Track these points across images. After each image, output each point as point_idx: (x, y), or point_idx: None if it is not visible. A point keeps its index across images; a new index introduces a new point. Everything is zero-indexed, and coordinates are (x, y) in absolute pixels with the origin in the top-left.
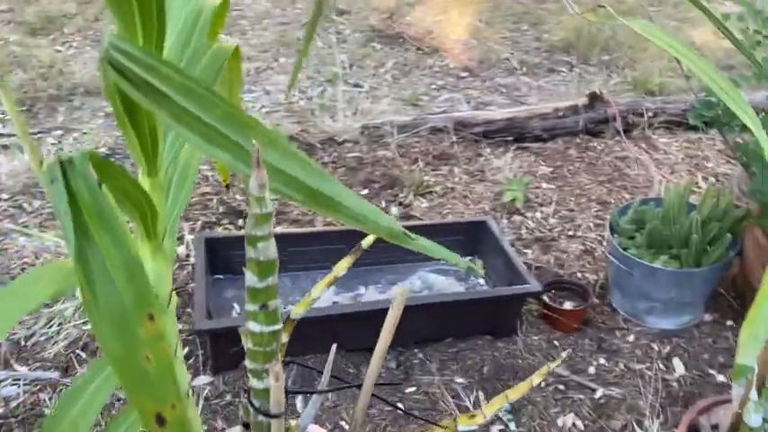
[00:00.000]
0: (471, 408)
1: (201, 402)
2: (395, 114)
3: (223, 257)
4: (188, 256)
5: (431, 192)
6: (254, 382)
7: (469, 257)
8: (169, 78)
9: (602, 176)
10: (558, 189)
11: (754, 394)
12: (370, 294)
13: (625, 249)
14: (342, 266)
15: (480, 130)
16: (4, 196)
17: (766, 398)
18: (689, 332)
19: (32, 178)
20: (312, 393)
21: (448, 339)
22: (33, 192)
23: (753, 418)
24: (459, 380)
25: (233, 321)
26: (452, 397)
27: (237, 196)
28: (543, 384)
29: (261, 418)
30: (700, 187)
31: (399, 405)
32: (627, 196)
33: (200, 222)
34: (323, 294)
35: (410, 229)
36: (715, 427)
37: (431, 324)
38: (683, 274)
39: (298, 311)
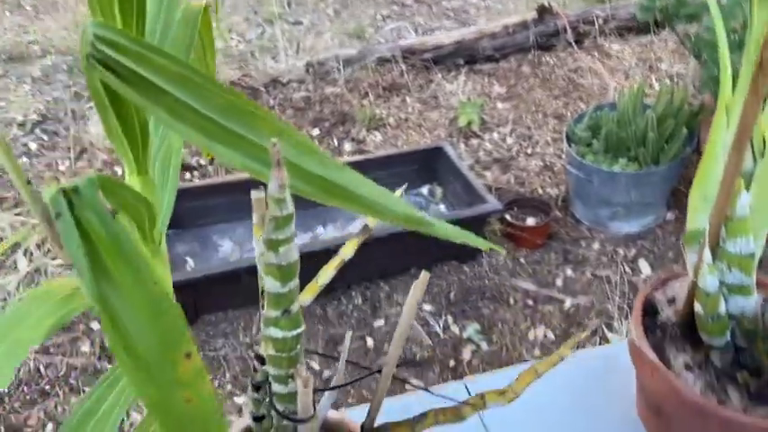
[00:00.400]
0: (441, 333)
1: None
2: (339, 49)
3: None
4: None
5: (384, 125)
6: (277, 387)
7: (428, 185)
8: (163, 69)
9: (556, 90)
10: (514, 108)
11: (708, 256)
12: (329, 233)
13: (583, 157)
14: (349, 249)
15: (430, 56)
16: None
17: (721, 259)
18: (653, 233)
19: None
20: (332, 389)
21: (412, 269)
22: None
23: (708, 282)
24: (427, 307)
25: (187, 275)
26: (422, 325)
27: (182, 149)
28: (512, 302)
29: (286, 422)
30: (654, 90)
31: (421, 385)
32: (583, 107)
33: None
34: (327, 276)
35: (365, 163)
36: (672, 300)
37: (394, 256)
38: (642, 174)
39: (305, 298)
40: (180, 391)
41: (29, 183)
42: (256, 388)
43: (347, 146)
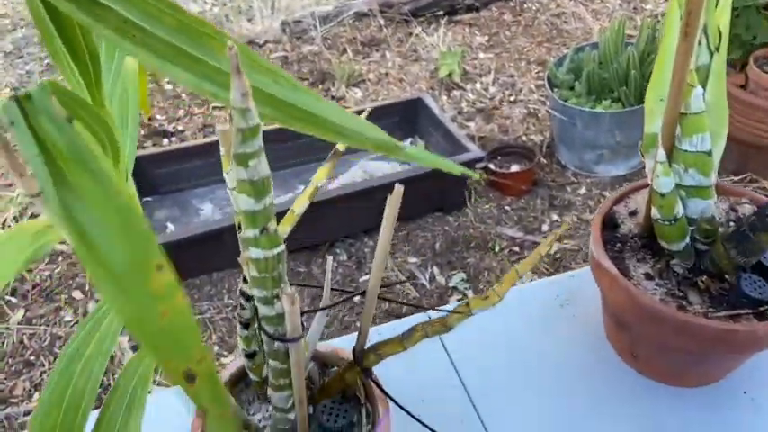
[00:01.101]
0: (427, 284)
1: None
2: (316, 6)
3: (148, 179)
4: None
5: (363, 81)
6: (264, 310)
7: (410, 139)
8: None
9: (540, 37)
10: (496, 57)
11: (661, 155)
12: None
13: (566, 101)
14: (321, 176)
15: (408, 9)
16: None
17: (677, 161)
18: (640, 174)
19: None
20: (320, 310)
21: (396, 223)
22: None
23: (663, 183)
24: (413, 260)
25: (167, 238)
26: (408, 277)
27: (158, 116)
28: (497, 249)
29: (277, 344)
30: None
31: (404, 301)
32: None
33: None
34: (302, 206)
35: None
36: (633, 213)
37: (378, 211)
38: (626, 114)
39: (284, 229)
40: (154, 305)
41: None
42: (245, 325)
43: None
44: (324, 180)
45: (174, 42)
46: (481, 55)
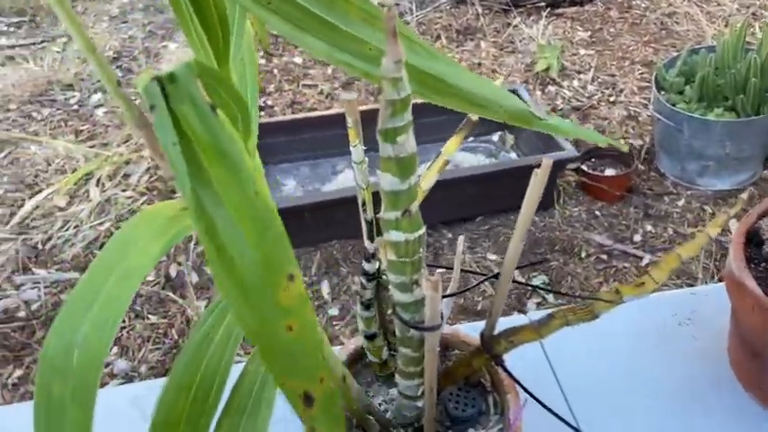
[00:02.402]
0: None
1: None
2: None
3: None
4: None
5: None
6: (400, 296)
7: (498, 132)
8: None
9: (647, 36)
10: (598, 54)
11: None
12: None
13: (673, 105)
14: (452, 147)
15: None
16: (13, 106)
17: None
18: (747, 192)
19: (39, 86)
20: (451, 296)
21: (479, 218)
22: (41, 100)
23: None
24: (492, 256)
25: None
26: (485, 274)
27: None
28: (584, 255)
29: (412, 332)
30: (757, 38)
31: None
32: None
33: None
34: (431, 180)
35: (431, 106)
36: None
37: (459, 202)
38: (740, 124)
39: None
40: (281, 318)
41: (119, 84)
42: (366, 306)
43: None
44: (453, 152)
45: (309, 8)
46: (582, 51)
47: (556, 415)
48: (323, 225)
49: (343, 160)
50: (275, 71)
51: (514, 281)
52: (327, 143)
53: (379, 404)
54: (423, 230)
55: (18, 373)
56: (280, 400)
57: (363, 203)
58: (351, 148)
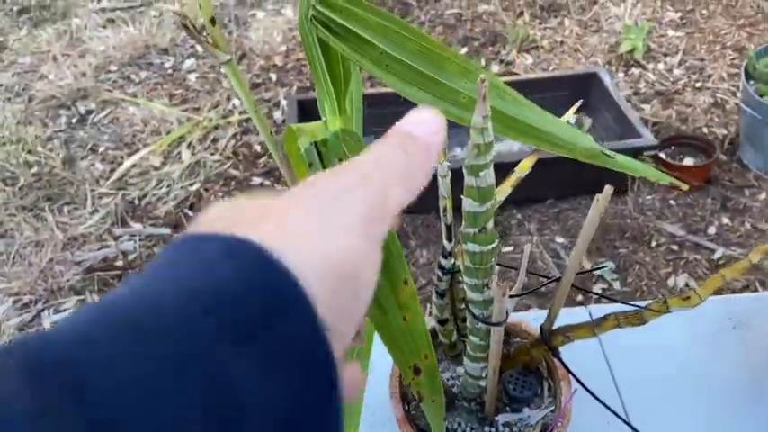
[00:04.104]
0: None
1: None
2: None
3: (316, 119)
4: (284, 121)
5: (537, 47)
6: (472, 295)
7: (576, 114)
8: (370, 23)
9: (741, 20)
10: (688, 36)
11: None
12: (459, 154)
13: (761, 96)
14: (525, 166)
15: None
16: (113, 67)
17: None
18: None
19: (138, 49)
20: (518, 296)
21: (549, 200)
22: (140, 63)
23: None
24: (560, 239)
25: None
26: (552, 257)
27: None
28: (654, 245)
29: (481, 325)
30: None
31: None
32: None
33: (295, 88)
34: (504, 193)
35: (511, 85)
36: None
37: (531, 184)
38: None
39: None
40: (400, 312)
41: (271, 134)
42: (440, 295)
43: (495, 68)
44: (527, 170)
45: (416, 66)
46: (670, 33)
47: (604, 404)
48: None
49: None
50: None
51: (574, 286)
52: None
53: (447, 380)
54: (496, 243)
55: None
56: None
57: (444, 210)
58: (437, 165)
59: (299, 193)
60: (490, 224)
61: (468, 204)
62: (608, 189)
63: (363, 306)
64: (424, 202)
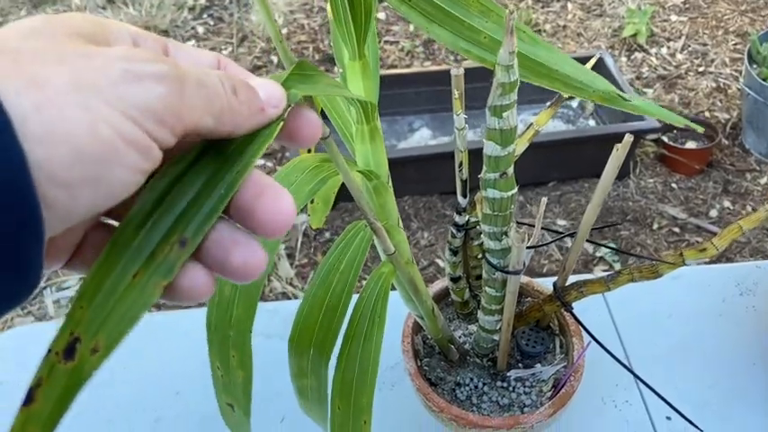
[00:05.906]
0: None
1: (301, 238)
2: None
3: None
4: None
5: (539, 31)
6: (490, 244)
7: (578, 99)
8: None
9: (744, 5)
10: (691, 21)
11: None
12: (469, 137)
13: (764, 80)
14: (543, 119)
15: None
16: None
17: None
18: None
19: None
20: (533, 248)
21: (551, 183)
22: None
23: None
24: (561, 222)
25: None
26: (562, 233)
27: (331, 44)
28: (656, 227)
29: (498, 274)
30: None
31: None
32: None
33: None
34: (521, 148)
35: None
36: None
37: (533, 166)
38: None
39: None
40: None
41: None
42: (454, 252)
43: None
44: (544, 124)
45: (438, 3)
46: (673, 17)
47: (614, 357)
48: (396, 181)
49: (419, 119)
50: None
51: (588, 240)
52: (406, 101)
53: (459, 337)
54: (515, 190)
55: None
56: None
57: (460, 164)
58: (454, 116)
59: (88, 54)
60: (510, 169)
61: (490, 148)
62: (628, 137)
63: (100, 203)
64: (426, 184)
